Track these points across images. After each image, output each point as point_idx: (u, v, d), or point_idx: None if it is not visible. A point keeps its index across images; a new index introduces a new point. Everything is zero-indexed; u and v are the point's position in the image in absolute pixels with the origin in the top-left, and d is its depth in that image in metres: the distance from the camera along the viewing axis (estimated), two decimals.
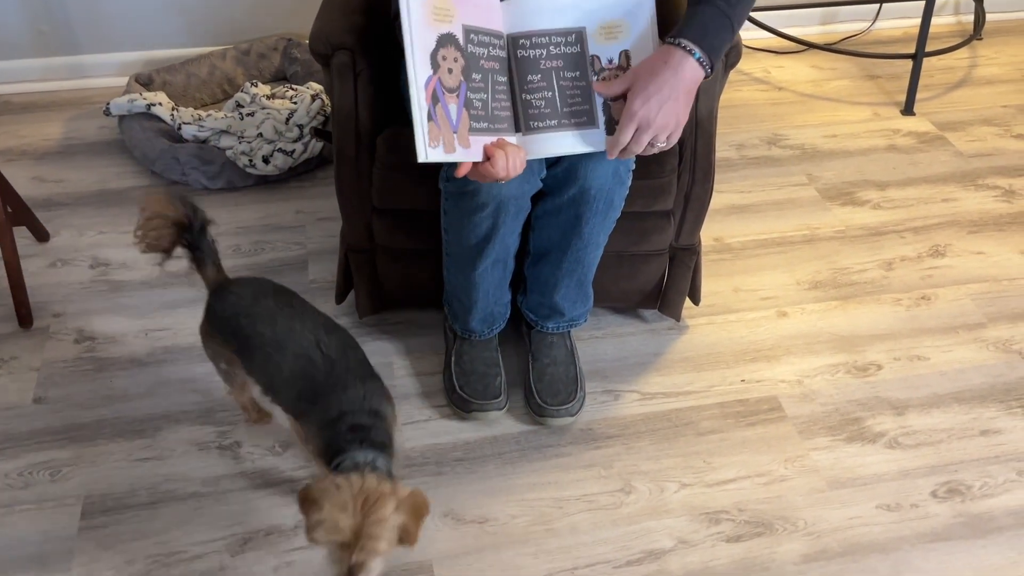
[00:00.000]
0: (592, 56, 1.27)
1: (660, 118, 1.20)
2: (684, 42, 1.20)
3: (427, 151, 1.17)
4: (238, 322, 1.32)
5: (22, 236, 1.95)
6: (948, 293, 1.90)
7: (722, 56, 1.26)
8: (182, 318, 1.80)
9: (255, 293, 1.36)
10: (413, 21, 1.15)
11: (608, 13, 1.27)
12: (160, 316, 1.81)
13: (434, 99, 1.17)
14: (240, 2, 2.45)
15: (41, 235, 1.97)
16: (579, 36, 1.27)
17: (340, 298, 1.77)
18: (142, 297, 1.85)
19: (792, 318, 1.84)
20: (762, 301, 1.88)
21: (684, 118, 1.23)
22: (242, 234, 2.01)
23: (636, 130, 1.21)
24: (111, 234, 2.00)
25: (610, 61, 1.27)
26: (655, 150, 1.25)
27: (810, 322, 1.83)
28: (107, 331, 1.77)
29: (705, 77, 1.23)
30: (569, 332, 1.66)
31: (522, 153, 1.23)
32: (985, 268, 1.96)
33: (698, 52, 1.20)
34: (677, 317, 1.78)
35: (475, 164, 1.21)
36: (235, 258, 1.95)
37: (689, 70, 1.20)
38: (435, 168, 1.45)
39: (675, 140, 1.25)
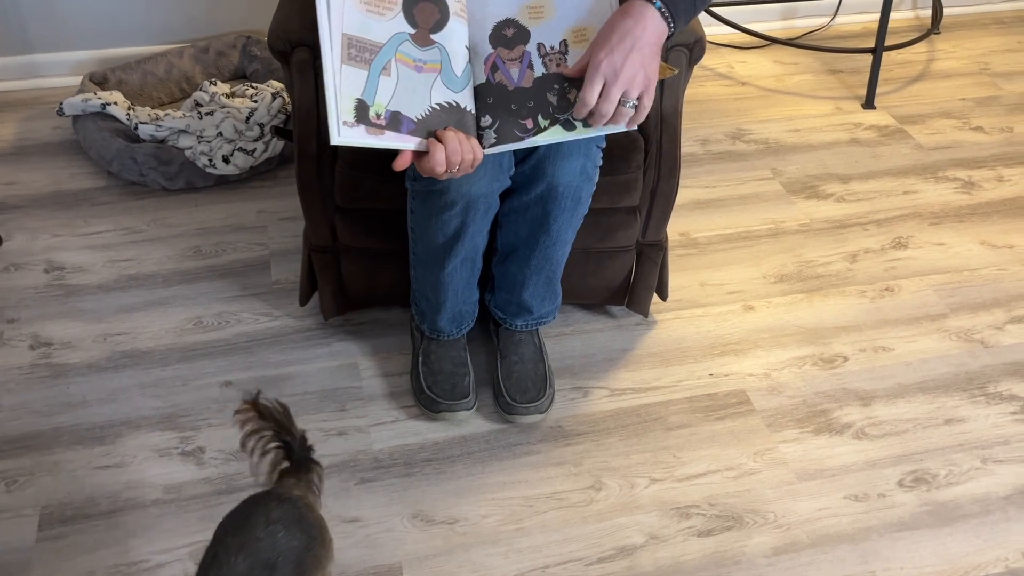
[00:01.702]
0: (538, 43, 1.23)
1: (627, 69, 1.14)
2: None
3: (340, 129, 1.06)
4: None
5: None
6: (911, 284, 1.92)
7: (685, 18, 1.19)
8: (141, 321, 1.76)
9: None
10: None
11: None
12: (118, 320, 1.77)
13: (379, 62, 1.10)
14: (198, 0, 2.41)
15: None
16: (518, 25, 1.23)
17: (304, 299, 1.74)
18: (99, 301, 1.81)
19: (759, 312, 1.84)
20: (729, 295, 1.88)
21: (653, 75, 1.16)
22: (203, 235, 1.97)
23: (604, 85, 1.15)
24: (66, 237, 1.96)
25: (552, 47, 1.23)
26: (625, 118, 1.18)
27: (776, 315, 1.84)
28: (63, 336, 1.73)
29: (668, 34, 1.18)
30: (537, 329, 1.65)
31: (475, 147, 1.17)
32: (946, 259, 1.99)
33: (659, 3, 1.15)
34: (645, 313, 1.78)
35: (417, 156, 1.15)
36: (196, 260, 1.91)
37: (652, 20, 1.15)
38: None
39: (647, 103, 1.17)
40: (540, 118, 1.21)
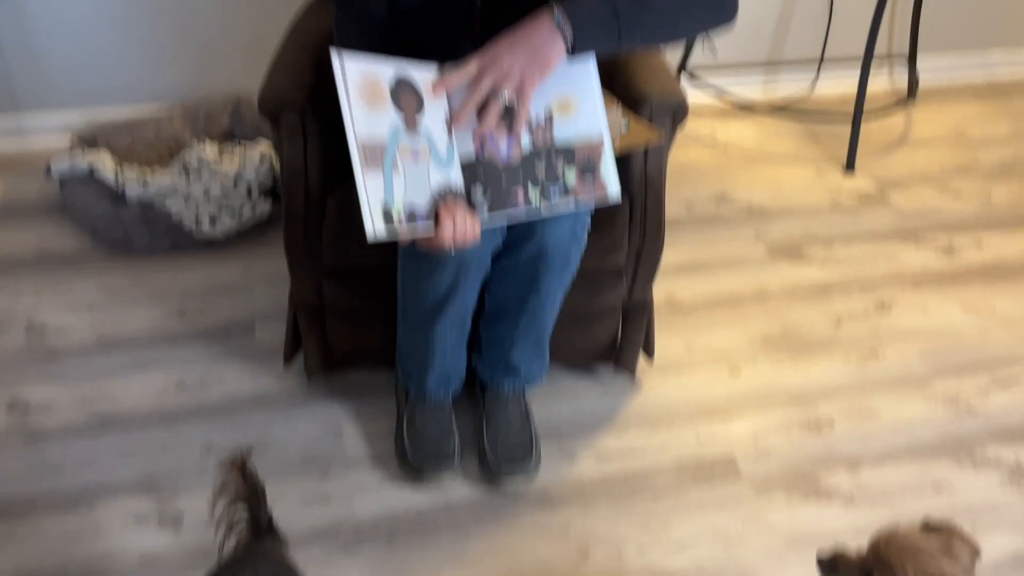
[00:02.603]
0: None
1: (506, 60, 1.15)
2: (554, 3, 1.18)
3: (374, 232, 1.11)
4: None
5: None
6: (895, 348, 1.92)
7: (596, 42, 1.18)
8: (121, 385, 1.74)
9: None
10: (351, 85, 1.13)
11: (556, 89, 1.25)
12: (98, 382, 1.74)
13: (386, 155, 1.14)
14: (188, 61, 2.44)
15: None
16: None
17: (288, 359, 1.73)
18: (79, 363, 1.78)
19: (745, 374, 1.84)
20: (715, 358, 1.88)
21: (530, 75, 1.15)
22: (187, 296, 1.96)
23: (480, 69, 1.16)
24: (49, 298, 1.94)
25: (538, 121, 1.24)
26: (495, 109, 1.17)
27: (762, 378, 1.83)
28: (42, 399, 1.70)
29: (565, 47, 1.17)
30: (524, 391, 1.64)
31: (473, 219, 1.20)
32: (929, 323, 2.00)
33: (558, 14, 1.16)
34: (632, 374, 1.77)
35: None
36: (179, 321, 1.89)
37: (544, 28, 1.16)
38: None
39: (523, 104, 1.17)
40: (530, 189, 1.23)
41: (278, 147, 1.52)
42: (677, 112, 1.51)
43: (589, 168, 1.25)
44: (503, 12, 1.30)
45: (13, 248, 2.08)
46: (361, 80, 1.14)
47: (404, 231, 1.15)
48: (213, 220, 2.06)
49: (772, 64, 2.86)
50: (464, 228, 1.18)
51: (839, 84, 2.93)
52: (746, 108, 2.75)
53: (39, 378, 1.74)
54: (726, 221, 2.30)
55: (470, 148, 1.22)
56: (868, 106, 2.62)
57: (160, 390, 1.73)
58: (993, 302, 2.06)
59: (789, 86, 2.90)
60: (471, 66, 1.17)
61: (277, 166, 2.21)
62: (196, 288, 1.99)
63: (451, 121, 1.20)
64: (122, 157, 2.31)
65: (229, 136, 2.47)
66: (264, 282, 2.01)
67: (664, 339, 1.91)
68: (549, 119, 1.24)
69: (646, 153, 1.54)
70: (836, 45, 2.87)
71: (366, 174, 1.11)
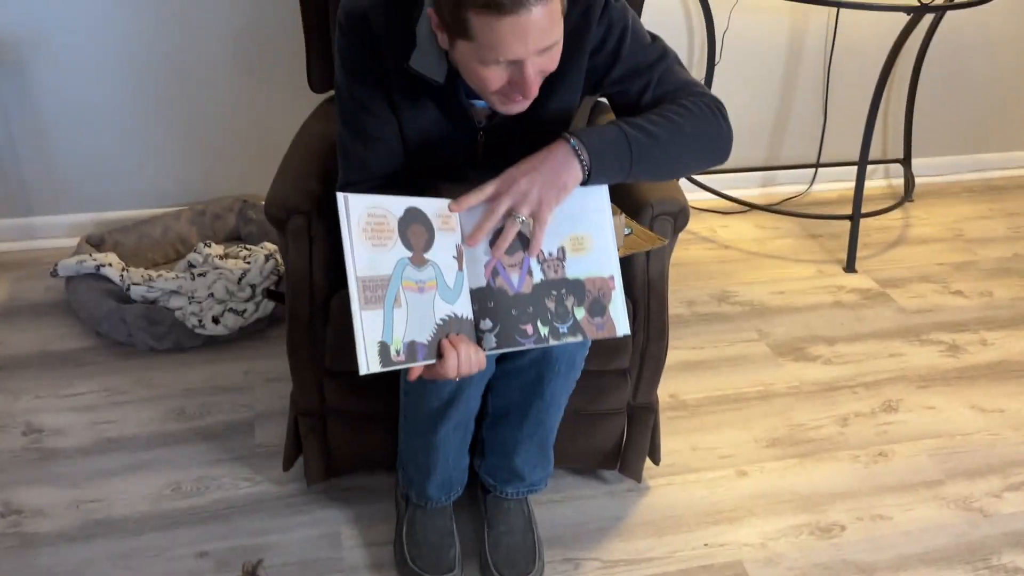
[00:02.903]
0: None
1: (524, 183, 1.17)
2: (568, 133, 1.22)
3: (367, 360, 1.09)
4: None
5: None
6: (904, 449, 1.89)
7: (610, 170, 1.22)
8: (117, 487, 1.71)
9: None
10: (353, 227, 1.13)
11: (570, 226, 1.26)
12: (94, 486, 1.71)
13: (388, 291, 1.14)
14: (197, 165, 2.49)
15: None
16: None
17: (288, 464, 1.70)
18: (76, 465, 1.75)
19: (752, 477, 1.81)
20: (721, 459, 1.85)
21: (547, 198, 1.18)
22: (187, 396, 1.95)
23: (498, 191, 1.18)
24: (49, 398, 1.93)
25: (550, 254, 1.25)
26: (512, 231, 1.18)
27: (770, 481, 1.80)
28: (36, 503, 1.67)
29: (582, 170, 1.20)
30: (527, 498, 1.61)
31: (477, 352, 1.19)
32: (938, 423, 1.97)
33: (575, 141, 1.19)
34: (638, 478, 1.74)
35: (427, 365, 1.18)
36: (179, 422, 1.87)
37: (561, 152, 1.19)
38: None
39: (540, 226, 1.18)
40: (539, 324, 1.22)
41: (284, 250, 1.54)
42: (678, 217, 1.53)
43: (599, 306, 1.24)
44: (504, 142, 1.34)
45: (17, 348, 2.08)
46: (367, 218, 1.14)
47: (402, 364, 1.14)
48: (216, 319, 2.07)
49: (770, 167, 2.92)
50: (469, 361, 1.17)
51: (836, 185, 2.98)
52: (745, 207, 2.79)
53: (34, 481, 1.72)
54: (728, 319, 2.30)
55: (481, 278, 1.22)
56: (866, 206, 2.66)
57: (156, 493, 1.70)
58: (1002, 402, 2.04)
59: (787, 187, 2.96)
60: (489, 188, 1.19)
61: (283, 268, 2.23)
62: (197, 387, 1.98)
63: (465, 241, 1.21)
64: (129, 257, 2.33)
65: (235, 237, 2.50)
66: (265, 381, 2.00)
67: (669, 439, 1.88)
68: (561, 254, 1.24)
69: (648, 255, 1.55)
70: (832, 149, 2.94)
71: (364, 311, 1.11)
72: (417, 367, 1.16)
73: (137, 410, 1.90)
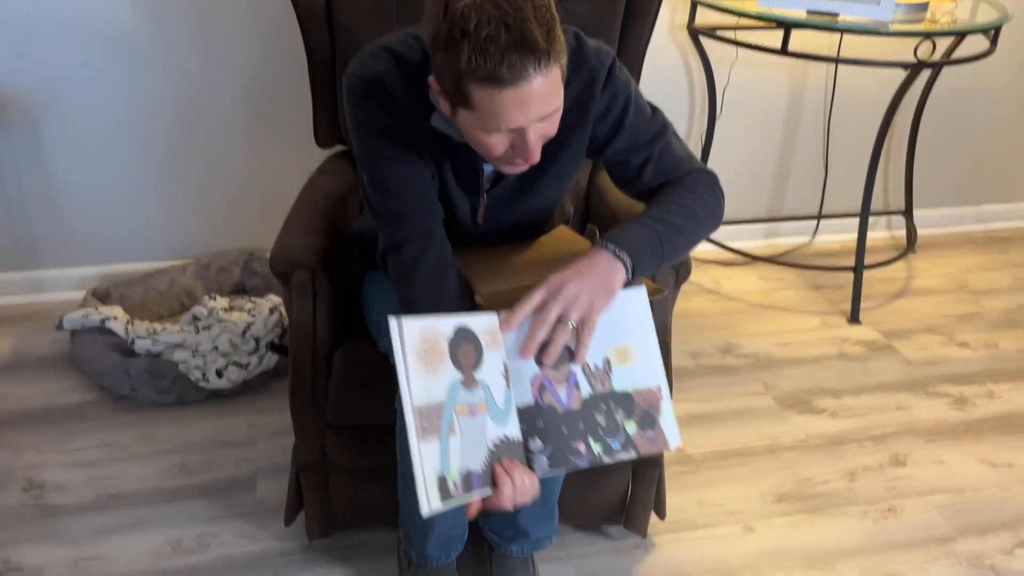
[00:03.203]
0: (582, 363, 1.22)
1: (572, 288, 1.16)
2: (603, 240, 1.23)
3: (429, 506, 1.03)
4: None
5: None
6: (914, 504, 1.87)
7: (648, 266, 1.24)
8: (116, 545, 1.69)
9: None
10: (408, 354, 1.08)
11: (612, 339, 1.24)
12: (93, 543, 1.69)
13: (442, 418, 1.09)
14: (203, 220, 2.52)
15: None
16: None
17: (289, 519, 1.68)
18: (75, 522, 1.74)
19: (759, 533, 1.78)
20: (728, 515, 1.82)
21: (597, 302, 1.17)
22: (190, 451, 1.94)
23: (546, 298, 1.17)
24: (50, 453, 1.92)
25: (596, 366, 1.22)
26: (562, 337, 1.17)
27: (778, 537, 1.77)
28: (35, 561, 1.65)
29: (626, 271, 1.21)
30: (533, 555, 1.58)
31: (531, 477, 1.15)
32: (947, 478, 1.95)
33: (612, 245, 1.21)
34: (643, 534, 1.72)
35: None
36: (180, 477, 1.86)
37: (603, 258, 1.20)
38: (391, 385, 1.43)
39: (589, 330, 1.17)
40: (592, 441, 1.19)
41: (288, 304, 1.55)
42: (680, 269, 1.53)
43: (649, 419, 1.21)
44: (506, 203, 1.37)
45: (20, 402, 2.07)
46: (420, 342, 1.10)
47: (460, 498, 1.09)
48: (220, 373, 2.06)
49: (772, 219, 2.94)
50: (524, 488, 1.13)
51: (839, 236, 3.00)
52: (748, 259, 2.80)
53: (34, 538, 1.70)
54: (734, 372, 2.29)
55: (528, 395, 1.18)
56: (869, 257, 2.67)
57: (156, 551, 1.68)
58: (1011, 456, 2.02)
59: (790, 239, 2.97)
60: (535, 297, 1.18)
61: (286, 320, 2.23)
62: (199, 442, 1.96)
63: (519, 353, 1.18)
64: (135, 310, 2.34)
65: (240, 289, 2.51)
66: (268, 435, 1.99)
67: (675, 494, 1.86)
68: (607, 366, 1.22)
69: (651, 307, 1.55)
70: (833, 200, 2.95)
71: (422, 444, 1.05)
72: (476, 501, 1.11)
73: (138, 465, 1.89)
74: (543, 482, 1.46)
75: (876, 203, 3.01)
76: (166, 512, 1.77)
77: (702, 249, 2.83)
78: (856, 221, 2.79)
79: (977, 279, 2.79)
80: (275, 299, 2.30)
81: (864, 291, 2.64)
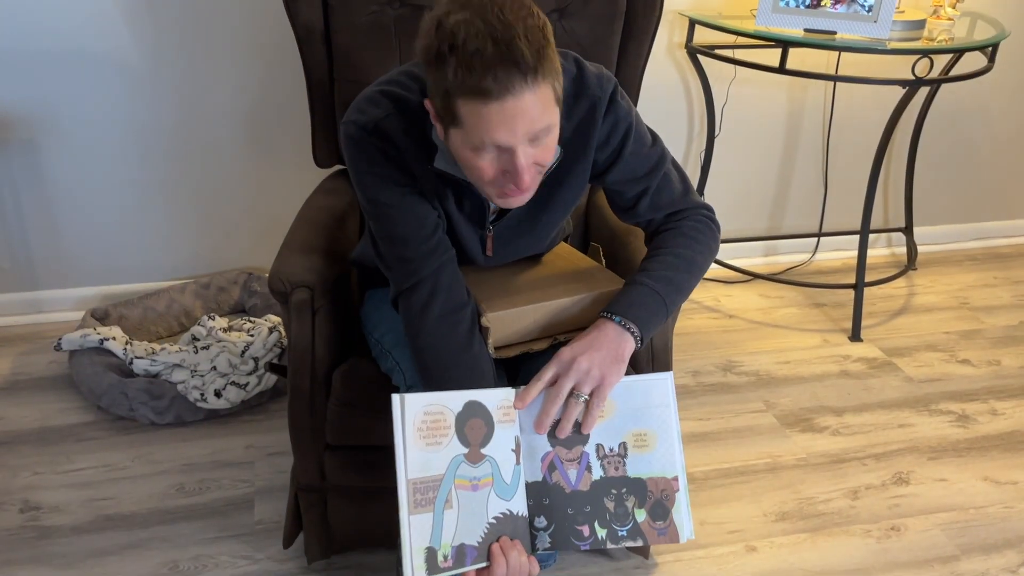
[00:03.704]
0: (597, 444, 1.21)
1: (584, 362, 1.17)
2: (607, 312, 1.23)
3: (413, 569, 1.04)
4: None
5: None
6: (917, 523, 1.85)
7: (654, 330, 1.26)
8: (113, 567, 1.67)
9: None
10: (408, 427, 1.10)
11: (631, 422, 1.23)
12: (90, 565, 1.68)
13: (438, 491, 1.09)
14: (202, 239, 2.52)
15: None
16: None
17: (288, 542, 1.67)
18: (71, 544, 1.72)
19: (761, 553, 1.77)
20: (730, 535, 1.81)
21: (609, 375, 1.18)
22: (187, 471, 1.92)
23: (558, 373, 1.17)
24: (47, 475, 1.90)
25: (611, 449, 1.21)
26: (575, 412, 1.17)
27: (781, 557, 1.76)
28: None
29: (635, 340, 1.22)
30: None
31: (530, 560, 1.14)
32: (950, 496, 1.93)
33: (618, 317, 1.22)
34: (645, 554, 1.70)
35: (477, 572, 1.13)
36: (177, 498, 1.85)
37: (611, 330, 1.21)
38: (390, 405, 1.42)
39: (599, 401, 1.18)
40: (597, 525, 1.17)
41: (287, 324, 1.54)
42: None
43: (661, 509, 1.19)
44: (513, 233, 1.37)
45: (17, 423, 2.07)
46: (423, 417, 1.10)
47: (450, 571, 1.08)
48: (219, 393, 2.06)
49: (772, 236, 2.94)
50: (519, 570, 1.12)
51: (839, 254, 2.99)
52: (749, 277, 2.80)
53: (30, 560, 1.68)
54: (734, 390, 2.28)
55: (537, 472, 1.18)
56: (869, 275, 2.66)
57: (153, 572, 1.66)
58: (1014, 474, 2.01)
59: (790, 256, 2.97)
60: (547, 373, 1.18)
61: (285, 340, 2.23)
62: (197, 462, 1.95)
63: (534, 429, 1.18)
64: (133, 330, 2.34)
65: (240, 309, 2.51)
66: (266, 456, 1.98)
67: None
68: (623, 450, 1.20)
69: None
70: (833, 218, 2.95)
71: (412, 516, 1.06)
72: (471, 573, 1.11)
73: (136, 486, 1.88)
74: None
75: (876, 220, 3.01)
76: (163, 534, 1.76)
77: None
78: (856, 239, 2.79)
79: (978, 296, 2.79)
80: (274, 319, 2.30)
81: (865, 309, 2.63)
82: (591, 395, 1.18)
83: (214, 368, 2.11)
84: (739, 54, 2.47)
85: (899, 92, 2.43)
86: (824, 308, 2.68)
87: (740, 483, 1.95)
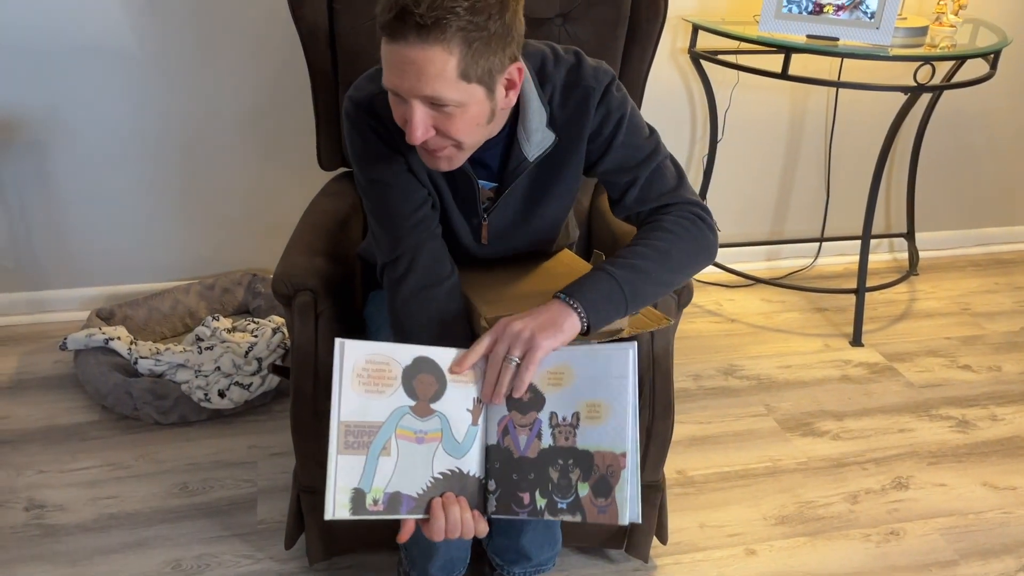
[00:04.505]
0: (551, 412, 1.19)
1: (517, 325, 1.16)
2: (559, 292, 1.21)
3: (334, 512, 1.06)
4: None
5: None
6: (916, 528, 1.86)
7: (606, 315, 1.22)
8: (117, 565, 1.69)
9: None
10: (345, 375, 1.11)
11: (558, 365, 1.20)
12: (94, 563, 1.69)
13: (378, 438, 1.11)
14: (207, 241, 2.53)
15: None
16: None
17: (290, 542, 1.68)
18: (76, 542, 1.74)
19: (761, 556, 1.77)
20: (729, 538, 1.82)
21: (543, 340, 1.15)
22: (191, 471, 1.94)
23: (493, 339, 1.17)
24: (51, 473, 1.92)
25: (564, 419, 1.18)
26: (507, 375, 1.16)
27: (780, 560, 1.76)
28: None
29: (580, 324, 1.19)
30: None
31: (474, 517, 1.15)
32: (950, 501, 1.94)
33: (564, 295, 1.19)
34: (645, 558, 1.71)
35: (422, 520, 1.14)
36: (181, 497, 1.86)
37: (556, 305, 1.19)
38: None
39: (529, 364, 1.15)
40: (538, 495, 1.16)
41: (290, 326, 1.55)
42: (682, 295, 1.54)
43: (605, 486, 1.15)
44: (508, 225, 1.39)
45: (23, 422, 2.08)
46: (364, 365, 1.12)
47: (378, 515, 1.10)
48: (222, 393, 2.07)
49: (774, 241, 2.95)
50: (458, 525, 1.13)
51: (840, 259, 3.00)
52: (751, 281, 2.80)
53: (34, 558, 1.70)
54: (735, 393, 2.29)
55: (494, 436, 1.19)
56: (871, 280, 2.67)
57: (156, 571, 1.68)
58: (1014, 479, 2.01)
59: (792, 261, 2.97)
60: (484, 339, 1.18)
61: (289, 342, 2.24)
62: (200, 462, 1.97)
63: (480, 398, 1.18)
64: (138, 331, 2.35)
65: (244, 310, 2.52)
66: (269, 456, 1.99)
67: (677, 517, 1.85)
68: (576, 420, 1.18)
69: (653, 335, 1.56)
70: (835, 223, 2.96)
71: (340, 456, 1.09)
72: (408, 526, 1.13)
73: (140, 485, 1.89)
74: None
75: (878, 226, 3.02)
76: (166, 532, 1.77)
77: (704, 271, 2.84)
78: (857, 244, 2.80)
79: (979, 302, 2.80)
80: (278, 320, 2.31)
81: (866, 313, 2.64)
82: (522, 358, 1.16)
83: (218, 368, 2.12)
84: (742, 59, 2.48)
85: (901, 98, 2.44)
86: (825, 313, 2.69)
87: (740, 486, 1.96)
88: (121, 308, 2.37)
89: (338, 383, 1.10)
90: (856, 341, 2.53)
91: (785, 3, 2.28)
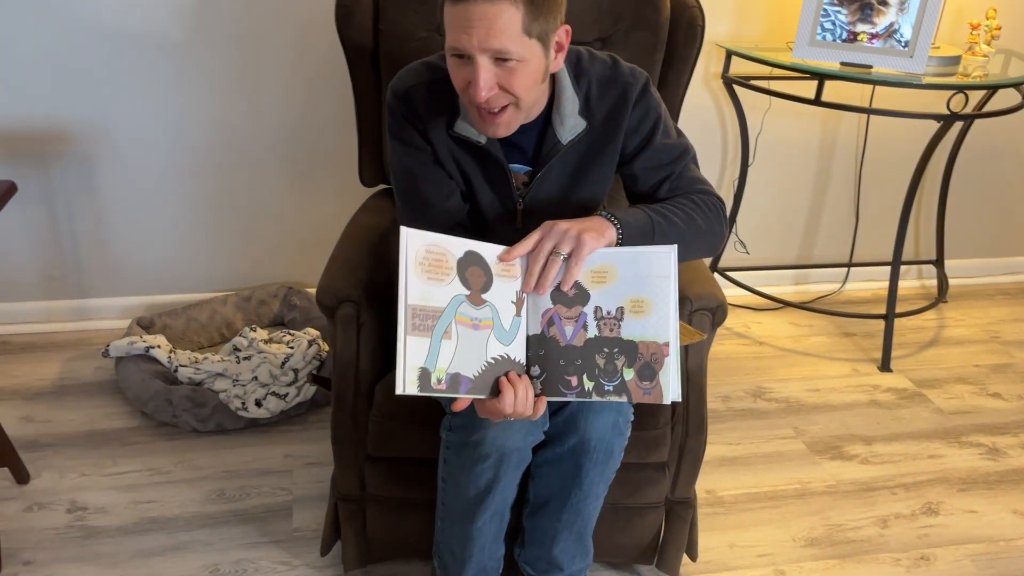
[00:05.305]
0: (596, 306, 1.27)
1: (564, 224, 1.24)
2: (601, 209, 1.32)
3: (405, 388, 1.14)
4: None
5: (2, 478, 1.91)
6: (947, 554, 1.86)
7: (636, 232, 1.30)
8: (157, 568, 1.72)
9: None
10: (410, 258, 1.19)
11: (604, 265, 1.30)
12: (134, 565, 1.73)
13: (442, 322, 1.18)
14: (245, 254, 2.58)
15: (21, 477, 1.92)
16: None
17: (326, 549, 1.71)
18: (117, 544, 1.78)
19: None
20: (759, 559, 1.83)
21: (588, 239, 1.23)
22: (227, 478, 1.98)
23: (542, 236, 1.24)
24: (93, 476, 1.96)
25: (608, 312, 1.27)
26: (554, 269, 1.24)
27: None
28: None
29: (616, 233, 1.27)
30: None
31: (538, 400, 1.23)
32: (980, 528, 1.94)
33: (607, 213, 1.29)
34: (675, 574, 1.72)
35: (478, 400, 1.22)
36: (219, 503, 1.90)
37: (598, 218, 1.28)
38: (437, 414, 1.46)
39: (577, 260, 1.23)
40: (585, 378, 1.25)
41: (332, 337, 1.59)
42: (716, 313, 1.56)
43: (649, 371, 1.24)
44: (542, 213, 1.42)
45: (65, 426, 2.13)
46: (425, 254, 1.20)
47: (442, 393, 1.17)
48: (259, 403, 2.11)
49: (802, 265, 2.96)
50: (525, 402, 1.21)
51: (869, 284, 3.01)
52: (779, 305, 2.82)
53: (76, 559, 1.74)
54: (764, 416, 2.30)
55: (537, 326, 1.27)
56: (900, 306, 2.68)
57: (195, 574, 1.71)
58: None
59: (820, 286, 2.99)
60: (533, 235, 1.26)
61: (325, 353, 2.28)
62: (238, 470, 2.00)
63: (523, 290, 1.27)
64: (176, 339, 2.40)
65: (279, 322, 2.57)
66: (304, 465, 2.03)
67: (707, 536, 1.87)
68: (620, 314, 1.27)
69: (687, 349, 1.58)
70: (864, 249, 2.97)
71: (409, 336, 1.15)
72: (464, 399, 1.20)
73: (179, 491, 1.93)
74: (577, 516, 1.48)
75: (907, 252, 3.03)
76: (204, 537, 1.80)
77: (733, 293, 2.86)
78: (886, 270, 2.81)
79: (1009, 330, 2.79)
80: (313, 332, 2.35)
81: (895, 339, 2.64)
82: (571, 255, 1.24)
83: (255, 378, 2.17)
84: (774, 85, 2.51)
85: (933, 126, 2.46)
86: (854, 338, 2.70)
87: (769, 507, 1.97)
88: (160, 317, 2.42)
89: (404, 270, 1.17)
90: (885, 366, 2.54)
91: (819, 31, 2.32)
